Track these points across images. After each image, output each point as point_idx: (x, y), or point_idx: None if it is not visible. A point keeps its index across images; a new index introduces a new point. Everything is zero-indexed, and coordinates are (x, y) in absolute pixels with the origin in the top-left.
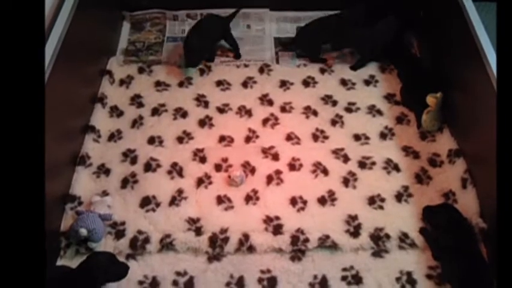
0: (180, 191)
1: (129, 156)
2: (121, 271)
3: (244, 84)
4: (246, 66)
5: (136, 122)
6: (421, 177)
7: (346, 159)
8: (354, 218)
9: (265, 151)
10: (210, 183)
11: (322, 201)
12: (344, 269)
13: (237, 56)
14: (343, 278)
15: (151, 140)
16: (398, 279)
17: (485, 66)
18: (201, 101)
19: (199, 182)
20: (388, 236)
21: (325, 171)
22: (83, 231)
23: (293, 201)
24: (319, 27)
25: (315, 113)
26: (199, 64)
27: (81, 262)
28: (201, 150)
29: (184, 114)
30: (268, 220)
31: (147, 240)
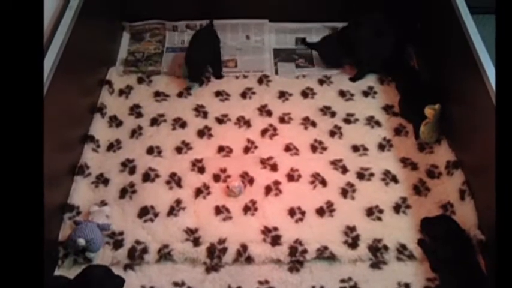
0: (178, 201)
1: (128, 166)
2: (117, 284)
3: (243, 95)
4: (245, 77)
5: (135, 132)
6: (420, 189)
7: (344, 170)
8: (352, 229)
9: (264, 162)
10: (209, 193)
11: (320, 212)
12: (342, 280)
13: (217, 75)
14: None
15: (150, 150)
16: None
17: (483, 78)
18: (200, 111)
19: (198, 192)
20: (386, 248)
21: (323, 182)
22: (81, 241)
23: (291, 212)
24: (323, 45)
25: (314, 124)
26: (201, 78)
27: (76, 275)
28: (200, 161)
29: (183, 125)
30: (266, 231)
31: (145, 250)
